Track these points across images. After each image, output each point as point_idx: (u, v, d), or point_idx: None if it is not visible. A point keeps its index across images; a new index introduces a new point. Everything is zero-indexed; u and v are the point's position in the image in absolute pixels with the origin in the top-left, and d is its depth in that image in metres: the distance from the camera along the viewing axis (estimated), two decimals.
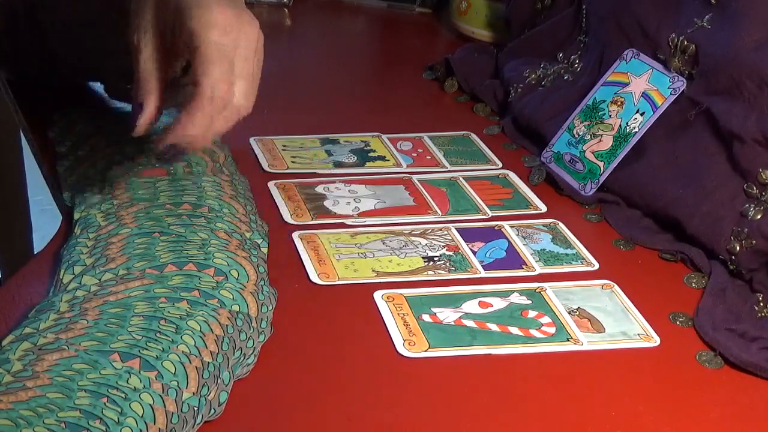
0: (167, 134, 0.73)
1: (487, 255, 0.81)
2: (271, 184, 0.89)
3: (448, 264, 0.79)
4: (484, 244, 0.83)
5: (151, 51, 0.74)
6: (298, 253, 0.79)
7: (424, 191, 0.90)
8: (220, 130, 0.74)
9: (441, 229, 0.84)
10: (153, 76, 0.74)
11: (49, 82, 0.98)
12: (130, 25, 0.74)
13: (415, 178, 0.91)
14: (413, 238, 0.82)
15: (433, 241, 0.82)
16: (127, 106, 0.96)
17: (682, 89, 0.87)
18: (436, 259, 0.80)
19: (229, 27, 0.72)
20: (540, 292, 0.77)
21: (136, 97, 0.73)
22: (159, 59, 0.73)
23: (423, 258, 0.80)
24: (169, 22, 0.72)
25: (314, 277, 0.76)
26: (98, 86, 1.01)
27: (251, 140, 0.96)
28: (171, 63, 0.74)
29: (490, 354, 0.70)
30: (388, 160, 0.95)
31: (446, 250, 0.81)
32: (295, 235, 0.81)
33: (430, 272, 0.78)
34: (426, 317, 0.73)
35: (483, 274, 0.79)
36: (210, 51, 0.71)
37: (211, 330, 0.64)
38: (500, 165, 0.96)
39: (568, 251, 0.83)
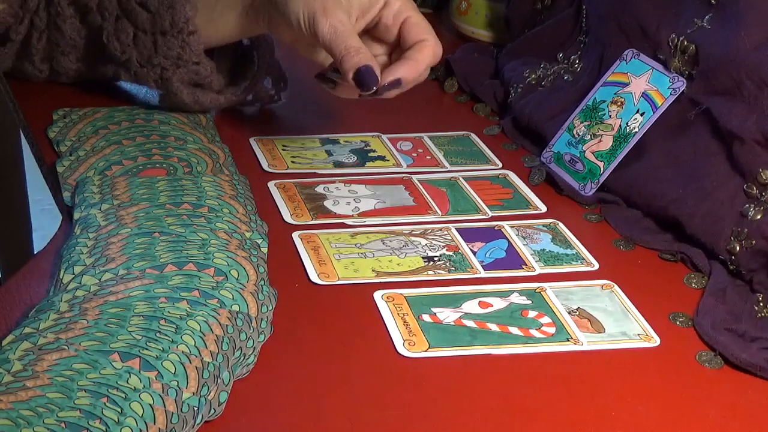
0: (389, 75, 0.84)
1: (487, 255, 0.81)
2: (271, 184, 0.89)
3: (448, 264, 0.79)
4: (484, 244, 0.83)
5: (351, 24, 0.85)
6: (298, 253, 0.79)
7: (424, 191, 0.90)
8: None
9: (441, 229, 0.84)
10: (360, 44, 0.84)
11: (84, 80, 0.99)
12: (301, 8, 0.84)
13: (415, 178, 0.91)
14: (413, 238, 0.82)
15: (433, 241, 0.82)
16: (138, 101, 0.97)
17: (682, 89, 0.87)
18: (436, 259, 0.80)
19: None
20: (540, 292, 0.77)
21: (355, 61, 0.82)
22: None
23: (423, 258, 0.80)
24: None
25: (314, 277, 0.76)
26: (102, 85, 1.01)
27: (251, 140, 0.96)
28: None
29: (490, 354, 0.70)
30: (388, 160, 0.95)
31: (446, 250, 0.81)
32: (295, 235, 0.81)
33: (430, 272, 0.78)
34: (426, 317, 0.73)
35: (483, 274, 0.79)
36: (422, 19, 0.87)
37: (211, 330, 0.64)
38: (500, 165, 0.96)
39: (568, 251, 0.83)
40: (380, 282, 0.76)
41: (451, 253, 0.81)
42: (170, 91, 0.93)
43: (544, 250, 0.83)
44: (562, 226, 0.86)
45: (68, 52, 0.96)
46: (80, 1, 0.93)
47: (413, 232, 0.83)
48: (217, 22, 0.91)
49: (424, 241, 0.82)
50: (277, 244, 0.79)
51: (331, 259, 0.78)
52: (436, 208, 0.87)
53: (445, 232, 0.84)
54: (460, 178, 0.93)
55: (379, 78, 0.83)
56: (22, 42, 0.95)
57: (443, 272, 0.78)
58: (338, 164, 0.93)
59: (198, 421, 0.60)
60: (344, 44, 0.83)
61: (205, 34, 0.91)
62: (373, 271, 0.78)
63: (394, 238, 0.82)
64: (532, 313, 0.74)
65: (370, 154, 0.96)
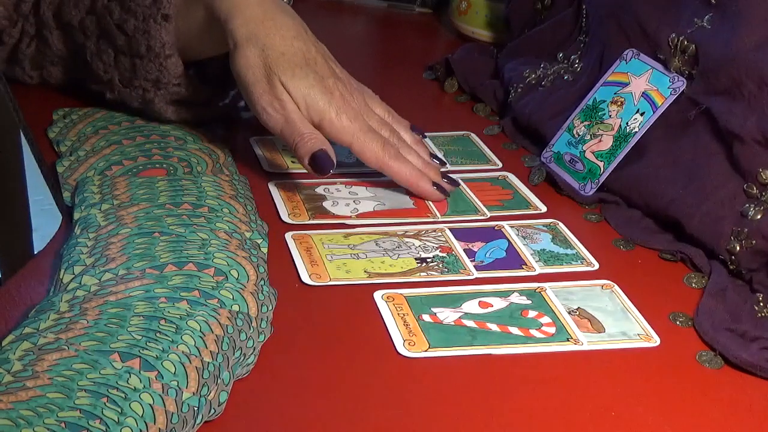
0: (408, 183, 0.87)
1: (487, 255, 0.81)
2: (270, 184, 0.89)
3: (441, 265, 0.79)
4: (484, 244, 0.83)
5: (295, 105, 0.84)
6: (290, 253, 0.79)
7: None
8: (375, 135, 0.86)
9: (435, 231, 0.84)
10: (311, 128, 0.84)
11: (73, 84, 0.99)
12: (249, 84, 0.84)
13: None
14: (407, 240, 0.82)
15: (427, 243, 0.82)
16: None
17: (682, 89, 0.87)
18: (428, 260, 0.80)
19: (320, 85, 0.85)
20: (540, 292, 0.77)
21: (309, 146, 0.83)
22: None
23: (416, 259, 0.80)
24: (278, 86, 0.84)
25: (305, 278, 0.76)
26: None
27: (251, 140, 0.96)
28: None
29: (490, 354, 0.70)
30: None
31: (439, 251, 0.81)
32: (288, 236, 0.81)
33: (422, 273, 0.78)
34: (426, 317, 0.73)
35: (475, 275, 0.79)
36: (335, 125, 0.85)
37: (211, 330, 0.64)
38: (500, 165, 0.97)
39: (568, 251, 0.83)
40: (379, 283, 0.76)
41: (444, 255, 0.81)
42: (153, 110, 0.92)
43: (544, 250, 0.83)
44: (562, 226, 0.86)
45: (57, 63, 0.96)
46: (63, 17, 0.93)
47: (407, 234, 0.83)
48: (196, 41, 0.89)
49: (417, 243, 0.82)
50: (273, 244, 0.79)
51: (323, 259, 0.78)
52: (435, 211, 0.87)
53: (439, 234, 0.84)
54: (459, 179, 0.92)
55: (335, 161, 0.83)
56: (13, 46, 0.95)
57: (436, 274, 0.78)
58: (338, 164, 0.93)
59: (198, 421, 0.60)
60: (296, 132, 0.83)
61: (186, 53, 0.90)
62: (365, 272, 0.77)
63: (388, 239, 0.82)
64: (532, 313, 0.74)
65: None
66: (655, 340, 0.73)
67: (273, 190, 0.88)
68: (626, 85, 0.91)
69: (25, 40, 0.95)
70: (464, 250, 0.82)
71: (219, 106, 0.97)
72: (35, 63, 0.96)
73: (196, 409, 0.60)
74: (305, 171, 0.91)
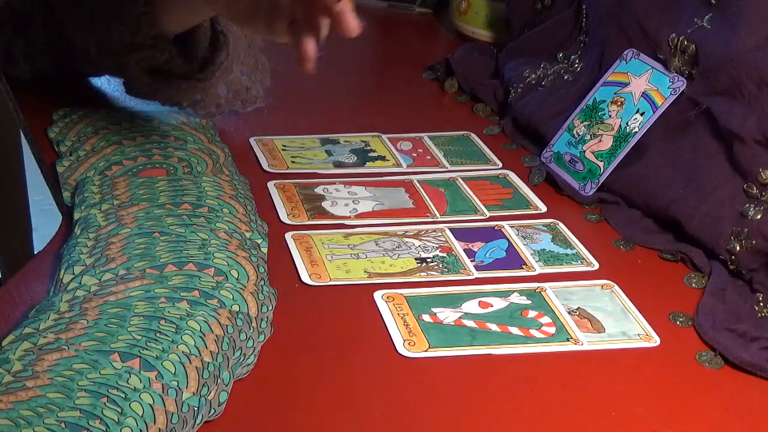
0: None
1: (487, 255, 0.81)
2: (270, 184, 0.89)
3: (441, 265, 0.79)
4: (484, 244, 0.83)
5: None
6: (291, 253, 0.79)
7: (424, 194, 0.89)
8: None
9: (435, 230, 0.84)
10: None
11: (64, 76, 0.98)
12: None
13: (416, 180, 0.91)
14: (407, 240, 0.82)
15: (427, 243, 0.82)
16: (133, 105, 0.97)
17: (682, 89, 0.87)
18: (428, 260, 0.80)
19: None
20: (540, 292, 0.77)
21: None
22: None
23: (416, 259, 0.80)
24: None
25: (305, 278, 0.76)
26: (101, 85, 1.01)
27: (251, 140, 0.96)
28: None
29: (490, 354, 0.70)
30: (388, 160, 0.95)
31: (439, 251, 0.81)
32: (288, 236, 0.81)
33: (422, 273, 0.78)
34: (426, 317, 0.73)
35: (475, 275, 0.79)
36: None
37: (211, 330, 0.64)
38: (500, 165, 0.96)
39: (568, 251, 0.83)
40: (378, 283, 0.76)
41: (444, 255, 0.81)
42: (130, 78, 0.90)
43: (544, 250, 0.83)
44: (562, 226, 0.86)
45: (45, 50, 0.95)
46: None
47: (407, 234, 0.83)
48: (171, 4, 0.86)
49: (417, 243, 0.82)
50: (273, 244, 0.79)
51: (323, 259, 0.78)
52: (435, 210, 0.87)
53: (439, 234, 0.84)
54: (459, 179, 0.92)
55: None
56: (6, 43, 0.95)
57: (436, 274, 0.78)
58: (338, 164, 0.93)
59: (198, 421, 0.60)
60: None
61: (164, 19, 0.86)
62: (365, 272, 0.77)
63: (388, 239, 0.82)
64: (532, 313, 0.74)
65: (370, 154, 0.96)
66: (655, 340, 0.73)
67: (272, 190, 0.88)
68: (626, 85, 0.91)
69: (16, 33, 0.94)
70: (464, 250, 0.82)
71: (196, 86, 0.91)
72: (26, 55, 0.96)
73: (196, 409, 0.60)
74: (305, 171, 0.91)
